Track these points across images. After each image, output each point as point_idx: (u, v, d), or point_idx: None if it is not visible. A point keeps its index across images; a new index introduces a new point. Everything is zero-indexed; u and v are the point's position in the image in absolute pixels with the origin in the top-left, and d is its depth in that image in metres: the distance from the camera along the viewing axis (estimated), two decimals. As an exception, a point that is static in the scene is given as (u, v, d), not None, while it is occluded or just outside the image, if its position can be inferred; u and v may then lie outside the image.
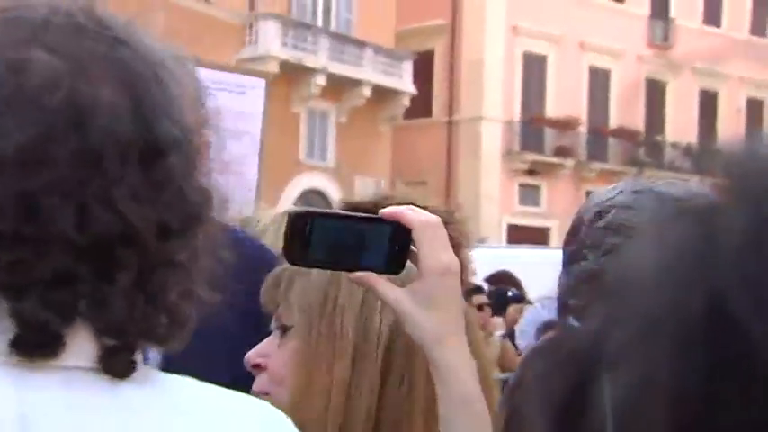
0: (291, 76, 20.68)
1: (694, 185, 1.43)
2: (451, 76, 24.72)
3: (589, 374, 0.31)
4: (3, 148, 0.68)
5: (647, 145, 26.52)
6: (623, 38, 26.06)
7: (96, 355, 0.70)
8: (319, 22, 22.21)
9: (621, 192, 1.39)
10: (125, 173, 0.69)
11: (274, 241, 1.31)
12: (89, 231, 0.68)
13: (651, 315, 0.29)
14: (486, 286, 6.53)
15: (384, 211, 0.96)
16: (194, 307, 0.74)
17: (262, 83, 4.33)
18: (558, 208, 24.71)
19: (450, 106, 24.85)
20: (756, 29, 28.47)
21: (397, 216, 0.96)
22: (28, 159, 0.68)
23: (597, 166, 25.32)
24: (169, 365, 0.84)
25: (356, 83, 22.00)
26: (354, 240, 0.95)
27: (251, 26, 21.00)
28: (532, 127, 24.88)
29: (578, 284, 1.29)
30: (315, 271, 1.03)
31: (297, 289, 1.07)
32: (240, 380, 0.96)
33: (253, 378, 1.08)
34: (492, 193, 23.76)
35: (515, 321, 6.23)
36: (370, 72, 22.23)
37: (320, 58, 21.30)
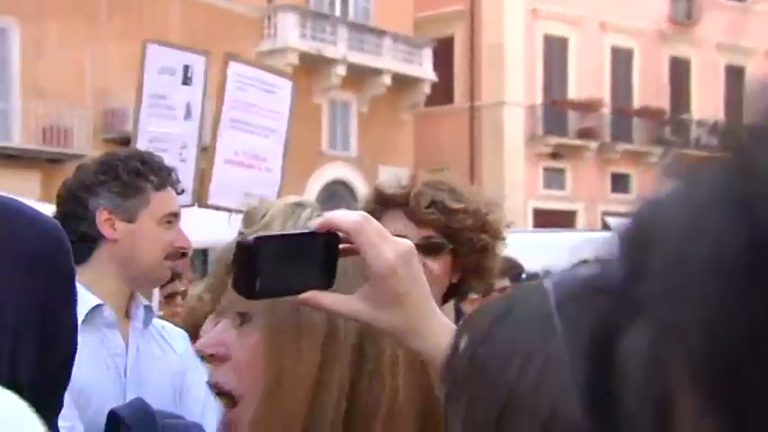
0: (311, 67, 20.66)
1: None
2: (472, 62, 24.57)
3: (620, 319, 0.29)
4: None
5: (672, 124, 26.22)
6: (645, 16, 25.76)
7: None
8: (337, 12, 22.16)
9: None
10: None
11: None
12: None
13: (688, 255, 0.27)
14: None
15: (313, 223, 0.92)
16: None
17: (289, 84, 4.35)
18: (583, 191, 24.53)
19: (472, 92, 24.71)
20: (780, 2, 28.04)
21: (326, 225, 0.91)
22: None
23: (622, 146, 25.09)
24: None
25: (376, 72, 21.93)
26: (295, 260, 0.91)
27: (269, 18, 20.99)
28: (555, 110, 24.69)
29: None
30: None
31: None
32: None
33: None
34: (516, 178, 23.62)
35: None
36: (389, 60, 22.15)
37: (339, 48, 21.25)
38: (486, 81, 24.38)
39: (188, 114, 3.90)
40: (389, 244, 0.91)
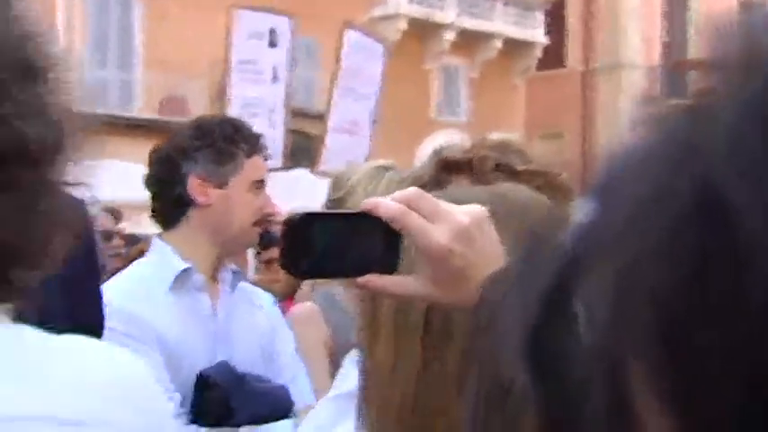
0: (421, 33, 20.55)
1: None
2: (586, 24, 23.90)
3: (572, 270, 0.29)
4: None
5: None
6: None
7: None
8: (447, -23, 21.94)
9: None
10: (12, 91, 0.69)
11: (363, 199, 1.25)
12: None
13: (636, 202, 0.26)
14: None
15: (364, 204, 0.86)
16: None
17: (381, 48, 4.33)
18: (703, 155, 23.60)
19: (586, 55, 24.07)
20: None
21: (374, 211, 0.84)
22: None
23: (746, 109, 24.00)
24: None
25: (487, 36, 21.63)
26: (351, 241, 0.86)
27: (379, -15, 20.97)
28: (676, 71, 23.80)
29: None
30: None
31: None
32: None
33: None
34: (632, 143, 22.93)
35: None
36: (500, 24, 21.80)
37: (449, 13, 21.04)
38: (601, 43, 23.69)
39: (275, 77, 3.94)
40: (444, 222, 0.84)
